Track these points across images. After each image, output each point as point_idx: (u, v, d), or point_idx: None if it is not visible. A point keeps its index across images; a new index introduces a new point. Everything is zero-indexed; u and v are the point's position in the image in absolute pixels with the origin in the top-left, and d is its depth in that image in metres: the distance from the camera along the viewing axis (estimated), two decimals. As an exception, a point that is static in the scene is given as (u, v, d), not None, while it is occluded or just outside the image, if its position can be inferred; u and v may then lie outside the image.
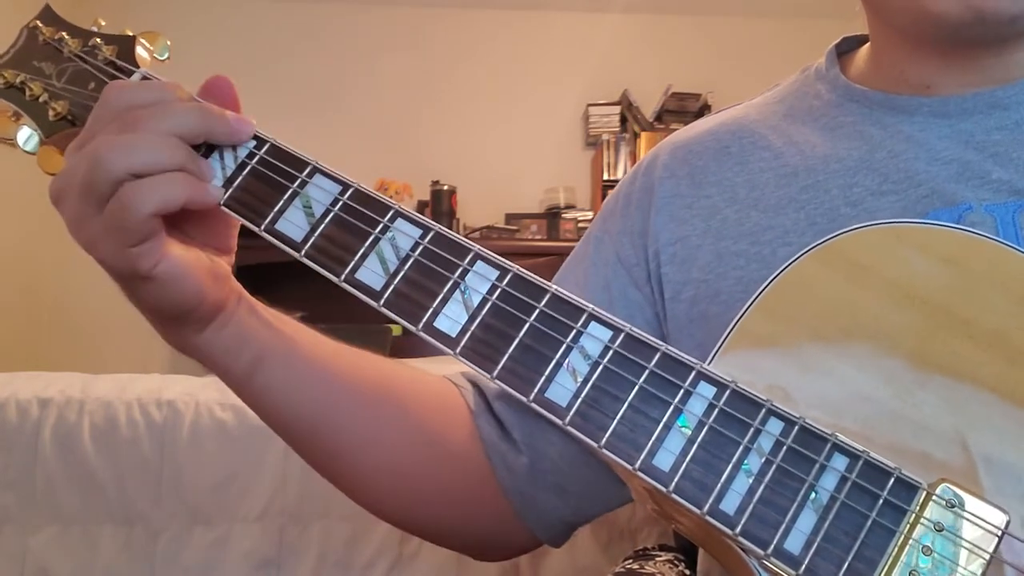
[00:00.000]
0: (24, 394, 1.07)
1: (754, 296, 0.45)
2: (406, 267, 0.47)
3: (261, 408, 0.57)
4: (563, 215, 3.43)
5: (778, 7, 3.51)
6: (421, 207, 3.39)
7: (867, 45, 0.65)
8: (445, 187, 3.33)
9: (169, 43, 0.53)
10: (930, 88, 0.58)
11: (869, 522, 0.38)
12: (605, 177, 3.37)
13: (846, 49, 0.67)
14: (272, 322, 0.55)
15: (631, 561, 0.81)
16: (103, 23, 0.53)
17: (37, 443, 1.05)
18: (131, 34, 0.53)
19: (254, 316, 0.54)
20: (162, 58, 0.53)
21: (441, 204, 3.31)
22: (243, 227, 0.50)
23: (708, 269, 0.59)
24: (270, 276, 3.06)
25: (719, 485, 0.40)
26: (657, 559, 0.80)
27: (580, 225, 3.42)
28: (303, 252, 0.47)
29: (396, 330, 2.27)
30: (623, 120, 3.49)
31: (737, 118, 0.66)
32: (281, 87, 3.45)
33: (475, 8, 3.60)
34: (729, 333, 0.45)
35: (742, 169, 0.62)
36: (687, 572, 0.77)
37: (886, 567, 0.37)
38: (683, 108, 3.41)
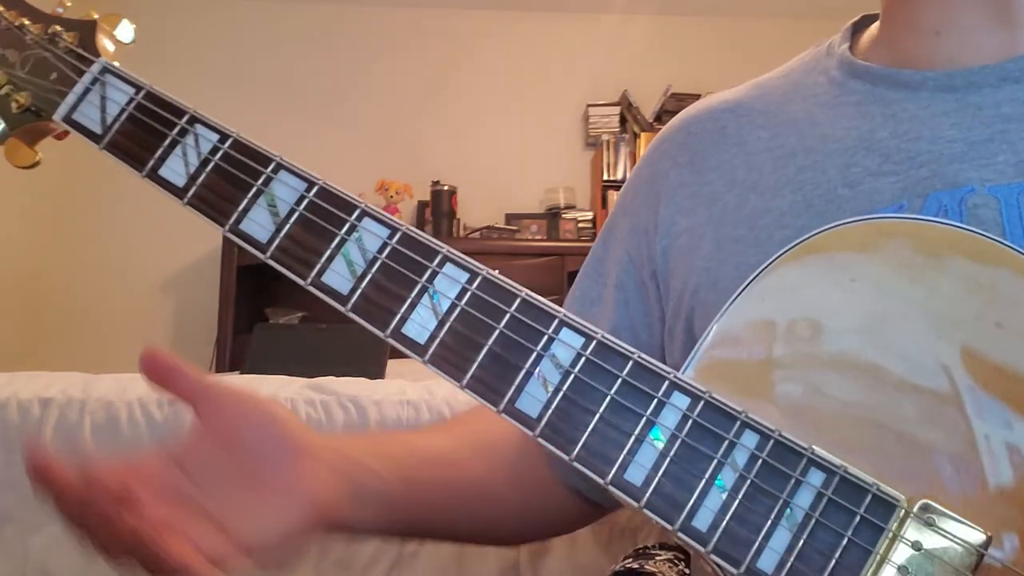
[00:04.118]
0: (25, 394, 1.06)
1: (731, 299, 0.44)
2: (373, 270, 0.45)
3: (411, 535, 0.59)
4: (563, 215, 3.43)
5: (778, 7, 3.49)
6: (421, 207, 3.38)
7: (878, 21, 0.63)
8: (445, 187, 3.32)
9: (134, 25, 0.50)
10: (939, 35, 0.55)
11: (845, 541, 0.37)
12: (605, 177, 3.37)
13: (864, 26, 0.65)
14: (383, 487, 0.54)
15: (631, 560, 0.80)
16: (68, 3, 0.50)
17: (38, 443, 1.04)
18: (94, 17, 0.50)
19: (369, 504, 0.53)
20: (127, 42, 0.50)
21: (441, 204, 3.30)
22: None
23: (709, 257, 0.58)
24: (270, 276, 3.06)
25: (691, 501, 0.39)
26: (657, 558, 0.80)
27: (580, 225, 3.41)
28: (268, 254, 0.46)
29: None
30: (623, 120, 3.49)
31: (737, 96, 0.65)
32: (281, 87, 3.44)
33: (475, 8, 3.59)
34: (710, 332, 0.44)
35: (740, 150, 0.61)
36: (687, 571, 0.77)
37: (862, 587, 0.36)
38: (683, 108, 3.40)
